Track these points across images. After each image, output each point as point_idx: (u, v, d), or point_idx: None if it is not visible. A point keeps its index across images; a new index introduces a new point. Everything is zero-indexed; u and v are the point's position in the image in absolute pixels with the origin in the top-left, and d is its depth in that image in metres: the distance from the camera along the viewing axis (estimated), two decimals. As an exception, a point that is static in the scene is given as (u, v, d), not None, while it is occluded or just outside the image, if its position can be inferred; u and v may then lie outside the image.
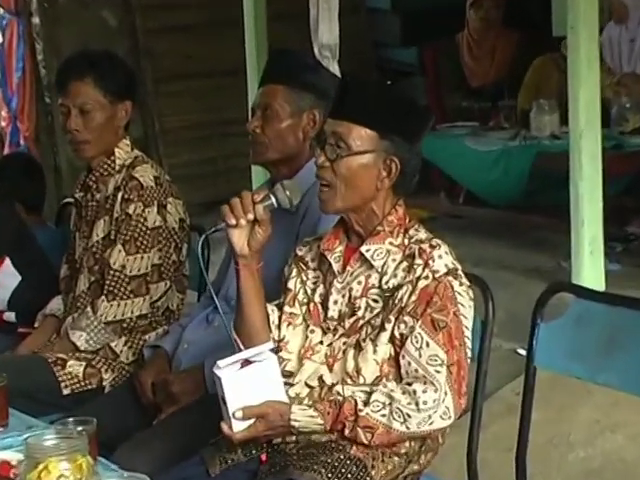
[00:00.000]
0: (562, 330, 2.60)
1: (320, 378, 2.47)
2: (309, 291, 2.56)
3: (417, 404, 2.34)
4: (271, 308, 2.58)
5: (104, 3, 7.29)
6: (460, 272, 2.44)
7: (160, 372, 3.05)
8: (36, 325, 3.44)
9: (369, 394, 2.37)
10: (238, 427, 2.35)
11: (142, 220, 3.23)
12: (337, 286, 2.50)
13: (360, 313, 2.46)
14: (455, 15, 6.91)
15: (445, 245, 2.45)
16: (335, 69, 4.86)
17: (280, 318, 2.57)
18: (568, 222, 4.82)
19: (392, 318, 2.41)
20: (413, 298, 2.39)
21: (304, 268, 2.59)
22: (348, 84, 2.54)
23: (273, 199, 2.51)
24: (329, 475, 2.33)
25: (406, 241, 2.47)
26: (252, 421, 2.35)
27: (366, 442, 2.36)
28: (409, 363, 2.39)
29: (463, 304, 2.41)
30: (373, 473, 2.39)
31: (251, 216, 2.46)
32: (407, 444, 2.44)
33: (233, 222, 2.46)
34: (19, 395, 2.74)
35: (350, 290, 2.49)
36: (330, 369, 2.47)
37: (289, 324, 2.56)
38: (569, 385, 3.54)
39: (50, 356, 3.23)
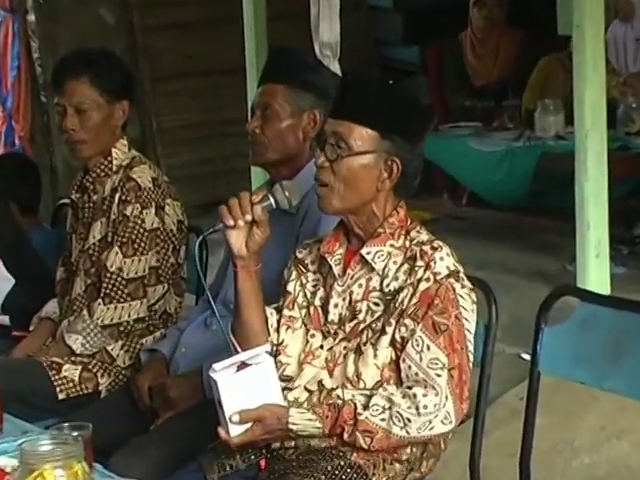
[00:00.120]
0: (567, 334, 2.59)
1: (320, 382, 2.45)
2: (309, 294, 2.55)
3: (417, 408, 2.32)
4: (270, 311, 2.57)
5: (101, 0, 7.30)
6: (462, 274, 2.42)
7: (157, 376, 3.03)
8: (31, 328, 3.42)
9: (369, 398, 2.36)
10: (235, 431, 2.33)
11: (140, 222, 3.21)
12: (337, 289, 2.49)
13: (361, 317, 2.45)
14: (458, 13, 6.95)
15: (447, 247, 2.43)
16: (336, 68, 4.88)
17: (279, 321, 2.56)
18: (573, 224, 4.82)
19: (393, 321, 2.40)
20: (414, 301, 2.38)
21: (304, 271, 2.58)
22: (349, 83, 2.53)
23: (272, 200, 2.49)
24: (329, 482, 2.32)
25: (407, 243, 2.46)
26: (249, 425, 2.34)
27: (365, 447, 2.35)
28: (409, 367, 2.37)
29: (465, 307, 2.40)
30: (374, 480, 2.37)
31: (249, 217, 2.45)
32: (408, 450, 2.42)
33: (231, 223, 2.45)
34: (14, 400, 2.73)
35: (351, 293, 2.47)
36: (330, 374, 2.46)
37: (288, 328, 2.55)
38: (574, 390, 3.52)
39: (45, 360, 3.21)
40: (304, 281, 2.56)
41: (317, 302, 2.52)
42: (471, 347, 2.41)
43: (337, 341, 2.47)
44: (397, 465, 2.41)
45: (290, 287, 2.57)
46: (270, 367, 2.37)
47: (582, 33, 4.66)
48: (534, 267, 5.33)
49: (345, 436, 2.34)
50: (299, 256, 2.60)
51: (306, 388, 2.46)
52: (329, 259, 2.51)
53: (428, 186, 4.99)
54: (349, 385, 2.41)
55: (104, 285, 3.20)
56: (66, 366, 3.19)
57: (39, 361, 3.20)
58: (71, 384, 3.18)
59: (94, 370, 3.21)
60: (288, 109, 2.91)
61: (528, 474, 2.61)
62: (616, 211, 4.89)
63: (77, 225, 3.38)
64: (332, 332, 2.48)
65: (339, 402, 2.36)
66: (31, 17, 7.11)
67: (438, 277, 2.37)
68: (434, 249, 2.40)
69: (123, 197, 3.22)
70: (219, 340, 2.63)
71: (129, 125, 3.40)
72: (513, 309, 4.12)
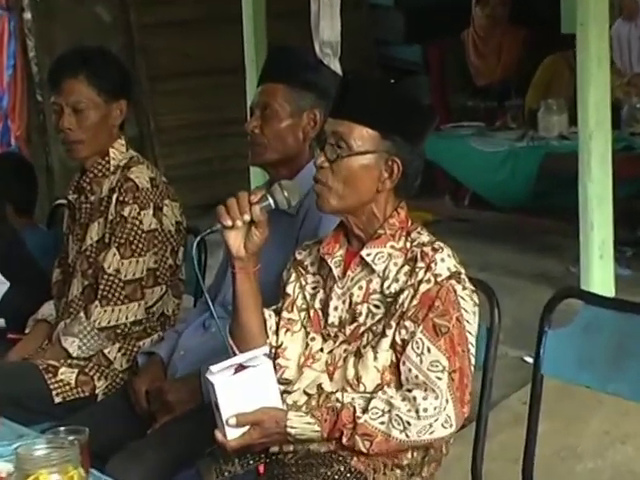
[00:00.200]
0: (570, 337, 2.58)
1: (319, 386, 2.44)
2: (308, 296, 2.54)
3: (417, 411, 2.30)
4: (268, 313, 2.55)
5: (98, -2, 7.29)
6: (464, 276, 2.40)
7: (155, 380, 3.02)
8: (27, 331, 3.41)
9: (368, 401, 2.34)
10: (232, 435, 2.32)
11: (137, 223, 3.20)
12: (337, 291, 2.47)
13: (361, 319, 2.43)
14: (460, 12, 6.95)
15: (448, 248, 2.42)
16: (336, 67, 4.90)
17: (278, 324, 2.55)
18: (577, 225, 4.81)
19: (393, 324, 2.38)
20: (414, 302, 2.36)
21: (303, 272, 2.56)
22: (349, 82, 2.51)
23: (270, 200, 2.48)
24: (328, 488, 2.31)
25: (408, 244, 2.44)
26: (246, 428, 2.33)
27: (364, 450, 2.33)
28: (410, 369, 2.35)
29: (466, 309, 2.38)
30: (374, 486, 2.36)
31: (247, 217, 2.44)
32: (409, 455, 2.40)
33: (229, 223, 2.43)
34: (9, 403, 2.75)
35: (351, 296, 2.46)
36: (330, 377, 2.44)
37: (287, 330, 2.53)
38: (578, 394, 3.52)
39: (41, 363, 3.20)
40: (303, 283, 2.55)
41: (317, 304, 2.51)
42: (473, 350, 2.39)
43: (337, 344, 2.45)
44: (398, 470, 2.39)
45: (289, 289, 2.56)
46: (268, 370, 2.35)
47: (586, 31, 4.65)
48: (537, 269, 5.33)
49: (344, 440, 2.33)
50: (298, 258, 2.58)
51: (305, 392, 2.45)
52: (329, 261, 2.49)
53: (430, 187, 4.97)
54: (349, 388, 2.40)
55: (101, 287, 3.19)
56: (62, 369, 3.18)
57: (35, 364, 3.19)
58: (67, 387, 3.16)
59: (91, 373, 3.20)
60: (288, 109, 2.90)
61: (531, 479, 2.59)
62: (620, 212, 4.87)
63: (74, 226, 3.37)
64: (332, 335, 2.46)
65: (338, 405, 2.35)
66: (27, 15, 7.11)
67: (439, 279, 2.36)
68: (435, 250, 2.39)
69: (121, 198, 3.21)
70: (218, 343, 2.62)
71: (126, 125, 3.39)
72: (516, 311, 4.11)
